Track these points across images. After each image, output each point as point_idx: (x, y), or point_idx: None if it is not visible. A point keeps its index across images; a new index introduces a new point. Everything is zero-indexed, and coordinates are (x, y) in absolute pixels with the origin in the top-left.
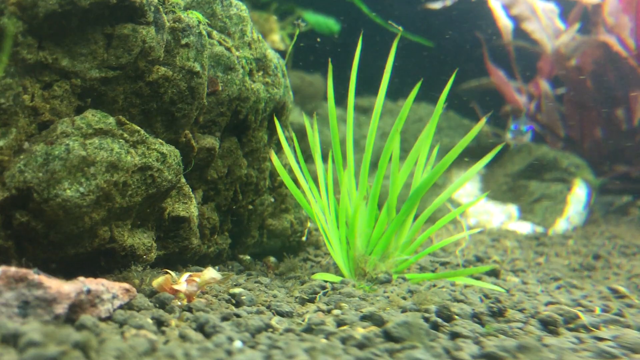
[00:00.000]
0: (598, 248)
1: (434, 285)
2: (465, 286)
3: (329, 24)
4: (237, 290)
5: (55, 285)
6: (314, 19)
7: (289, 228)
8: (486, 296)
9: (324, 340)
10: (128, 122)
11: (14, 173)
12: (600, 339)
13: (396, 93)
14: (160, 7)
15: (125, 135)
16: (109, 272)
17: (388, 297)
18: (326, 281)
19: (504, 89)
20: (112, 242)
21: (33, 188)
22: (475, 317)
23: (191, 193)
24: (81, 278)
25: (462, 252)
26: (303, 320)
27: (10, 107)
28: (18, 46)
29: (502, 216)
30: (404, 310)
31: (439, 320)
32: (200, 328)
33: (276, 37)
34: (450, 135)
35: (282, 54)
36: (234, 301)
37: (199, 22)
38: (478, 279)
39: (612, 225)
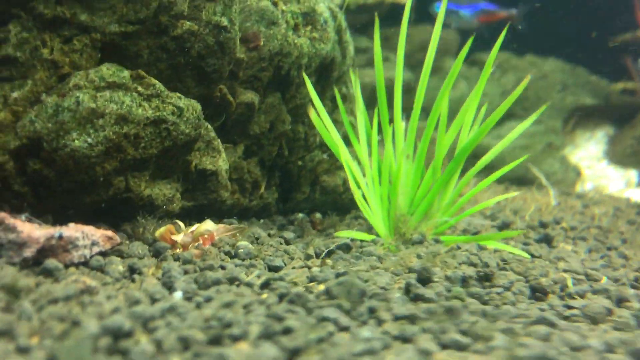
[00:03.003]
0: None
1: (459, 248)
2: (495, 250)
3: None
4: (242, 242)
5: (27, 230)
6: None
7: (341, 185)
8: (504, 261)
9: (257, 296)
10: (146, 75)
11: (25, 123)
12: (570, 307)
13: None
14: None
15: (140, 88)
16: (129, 221)
17: (402, 257)
18: (353, 239)
19: None
20: (127, 191)
21: (43, 138)
22: (464, 281)
23: (220, 147)
24: (70, 225)
25: (530, 216)
26: (282, 276)
27: (28, 61)
28: (34, 1)
29: (621, 182)
30: (400, 272)
31: (414, 283)
32: (163, 278)
33: None
34: (577, 93)
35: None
36: (232, 253)
37: None
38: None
39: None
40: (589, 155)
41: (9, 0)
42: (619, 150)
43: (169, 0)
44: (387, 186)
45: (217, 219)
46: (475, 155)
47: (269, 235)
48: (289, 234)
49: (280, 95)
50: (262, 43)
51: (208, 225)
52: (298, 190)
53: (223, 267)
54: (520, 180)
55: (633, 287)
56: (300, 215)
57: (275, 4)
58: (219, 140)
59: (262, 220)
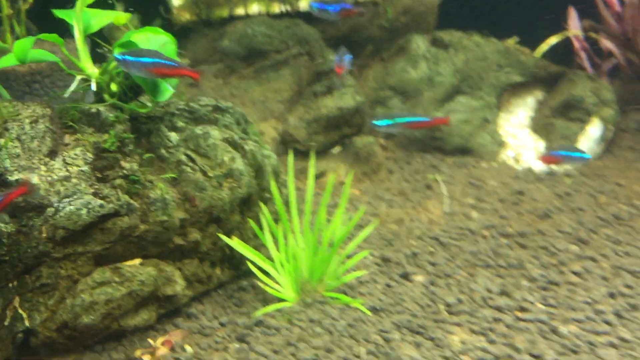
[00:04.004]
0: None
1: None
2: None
3: None
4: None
5: None
6: None
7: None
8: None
9: None
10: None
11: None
12: None
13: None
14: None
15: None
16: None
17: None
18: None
19: None
20: None
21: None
22: None
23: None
24: None
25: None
26: None
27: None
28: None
29: (532, 152)
30: None
31: None
32: None
33: None
34: (509, 71)
35: None
36: None
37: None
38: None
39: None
40: (518, 122)
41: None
42: (538, 118)
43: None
44: (293, 264)
45: None
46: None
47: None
48: None
49: (217, 226)
50: (197, 202)
51: None
52: None
53: None
54: (464, 149)
55: None
56: None
57: (205, 173)
58: None
59: None
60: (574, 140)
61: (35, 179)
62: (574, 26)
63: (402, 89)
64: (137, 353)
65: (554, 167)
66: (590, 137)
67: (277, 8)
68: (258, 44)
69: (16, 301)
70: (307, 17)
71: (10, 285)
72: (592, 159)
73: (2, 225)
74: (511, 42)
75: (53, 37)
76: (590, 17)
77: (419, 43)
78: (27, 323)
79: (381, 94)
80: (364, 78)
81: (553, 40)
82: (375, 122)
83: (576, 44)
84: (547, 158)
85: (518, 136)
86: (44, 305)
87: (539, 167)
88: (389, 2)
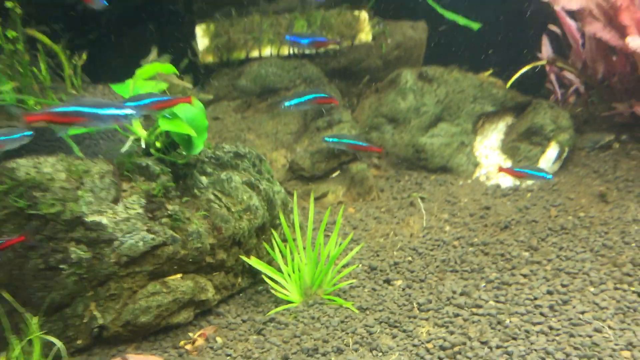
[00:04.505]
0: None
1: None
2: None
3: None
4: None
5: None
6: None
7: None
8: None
9: None
10: None
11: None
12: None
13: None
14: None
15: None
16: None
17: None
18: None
19: None
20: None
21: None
22: None
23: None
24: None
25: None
26: None
27: None
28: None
29: None
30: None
31: None
32: None
33: (363, 35)
34: (482, 103)
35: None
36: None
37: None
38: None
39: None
40: (490, 144)
41: None
42: (507, 141)
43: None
44: (297, 274)
45: None
46: (416, 149)
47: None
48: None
49: (238, 248)
50: (223, 231)
51: None
52: None
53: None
54: (445, 168)
55: None
56: None
57: (229, 209)
58: None
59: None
60: (535, 161)
61: (104, 220)
62: (546, 52)
63: (393, 117)
64: (181, 343)
65: (517, 182)
66: (548, 158)
67: (286, 50)
68: (270, 82)
69: (92, 306)
70: (311, 57)
71: (88, 294)
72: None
73: (82, 253)
74: (486, 74)
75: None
76: (558, 46)
77: (408, 77)
78: (100, 321)
79: (375, 120)
80: (360, 107)
81: (526, 68)
82: (326, 138)
83: (547, 69)
84: (507, 170)
85: (489, 157)
86: (112, 309)
87: (506, 183)
88: (383, 38)
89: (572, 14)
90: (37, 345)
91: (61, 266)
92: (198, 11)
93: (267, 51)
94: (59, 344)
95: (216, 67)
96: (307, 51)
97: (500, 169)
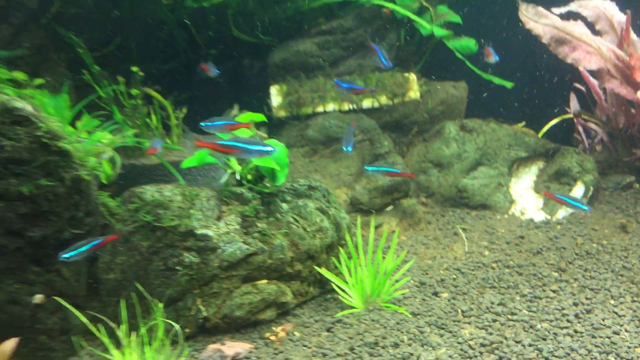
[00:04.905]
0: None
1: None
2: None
3: (469, 44)
4: None
5: (225, 349)
6: (454, 44)
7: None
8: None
9: None
10: None
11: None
12: None
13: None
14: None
15: None
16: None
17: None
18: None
19: None
20: None
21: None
22: None
23: None
24: (228, 342)
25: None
26: None
27: None
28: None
29: (534, 206)
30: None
31: None
32: None
33: (412, 92)
34: (517, 149)
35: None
36: None
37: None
38: None
39: (597, 209)
40: (524, 185)
41: None
42: (538, 182)
43: None
44: (360, 285)
45: None
46: (459, 189)
47: None
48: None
49: (312, 261)
50: (300, 247)
51: None
52: None
53: None
54: (484, 205)
55: None
56: None
57: (304, 229)
58: None
59: None
60: None
61: (210, 233)
62: (574, 107)
63: (439, 162)
64: (267, 334)
65: (549, 216)
66: (575, 196)
67: (346, 106)
68: (333, 132)
69: (199, 301)
70: (367, 112)
71: (196, 291)
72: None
73: (193, 258)
74: (519, 126)
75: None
76: (585, 101)
77: (451, 129)
78: (204, 313)
79: (423, 165)
80: (410, 154)
81: (555, 120)
82: (366, 167)
83: (576, 122)
84: (551, 195)
85: (524, 195)
86: (214, 304)
87: (539, 218)
88: (429, 95)
89: (593, 72)
90: (161, 326)
91: (177, 267)
92: (272, 74)
93: (330, 107)
94: (177, 327)
95: (287, 120)
96: (364, 106)
97: (545, 193)
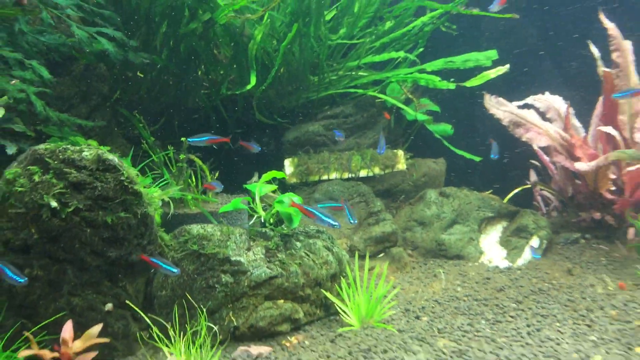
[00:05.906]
0: (517, 278)
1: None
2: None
3: (446, 129)
4: None
5: (253, 350)
6: (434, 127)
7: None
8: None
9: None
10: None
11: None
12: None
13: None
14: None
15: None
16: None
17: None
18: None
19: None
20: None
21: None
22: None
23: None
24: (253, 345)
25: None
26: None
27: None
28: None
29: (499, 256)
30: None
31: None
32: None
33: (400, 165)
34: (484, 210)
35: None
36: None
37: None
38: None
39: (550, 259)
40: (491, 239)
41: None
42: (503, 237)
43: None
44: (357, 308)
45: None
46: (438, 243)
47: None
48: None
49: (319, 287)
50: (310, 275)
51: None
52: None
53: None
54: (459, 256)
55: None
56: None
57: (314, 261)
58: None
59: None
60: (522, 249)
61: (242, 259)
62: (533, 179)
63: (422, 221)
64: (283, 342)
65: (511, 263)
66: (531, 247)
67: (346, 175)
68: (335, 195)
69: (230, 313)
70: (364, 180)
71: (229, 305)
72: (533, 259)
73: (228, 278)
74: (487, 193)
75: (246, 200)
76: (543, 174)
77: (432, 194)
78: (234, 323)
79: (409, 224)
80: (398, 215)
81: (516, 190)
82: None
83: (534, 191)
84: None
85: (491, 248)
86: (242, 316)
87: (503, 265)
88: (414, 169)
89: (544, 149)
90: (204, 330)
91: (216, 285)
92: (286, 150)
93: (333, 175)
94: (216, 329)
95: (298, 185)
96: (361, 174)
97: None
